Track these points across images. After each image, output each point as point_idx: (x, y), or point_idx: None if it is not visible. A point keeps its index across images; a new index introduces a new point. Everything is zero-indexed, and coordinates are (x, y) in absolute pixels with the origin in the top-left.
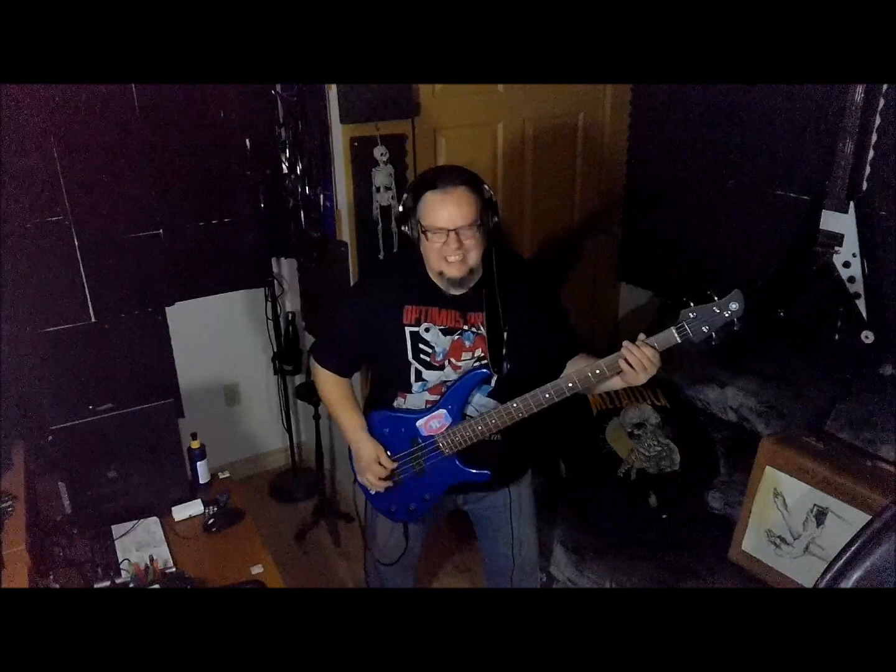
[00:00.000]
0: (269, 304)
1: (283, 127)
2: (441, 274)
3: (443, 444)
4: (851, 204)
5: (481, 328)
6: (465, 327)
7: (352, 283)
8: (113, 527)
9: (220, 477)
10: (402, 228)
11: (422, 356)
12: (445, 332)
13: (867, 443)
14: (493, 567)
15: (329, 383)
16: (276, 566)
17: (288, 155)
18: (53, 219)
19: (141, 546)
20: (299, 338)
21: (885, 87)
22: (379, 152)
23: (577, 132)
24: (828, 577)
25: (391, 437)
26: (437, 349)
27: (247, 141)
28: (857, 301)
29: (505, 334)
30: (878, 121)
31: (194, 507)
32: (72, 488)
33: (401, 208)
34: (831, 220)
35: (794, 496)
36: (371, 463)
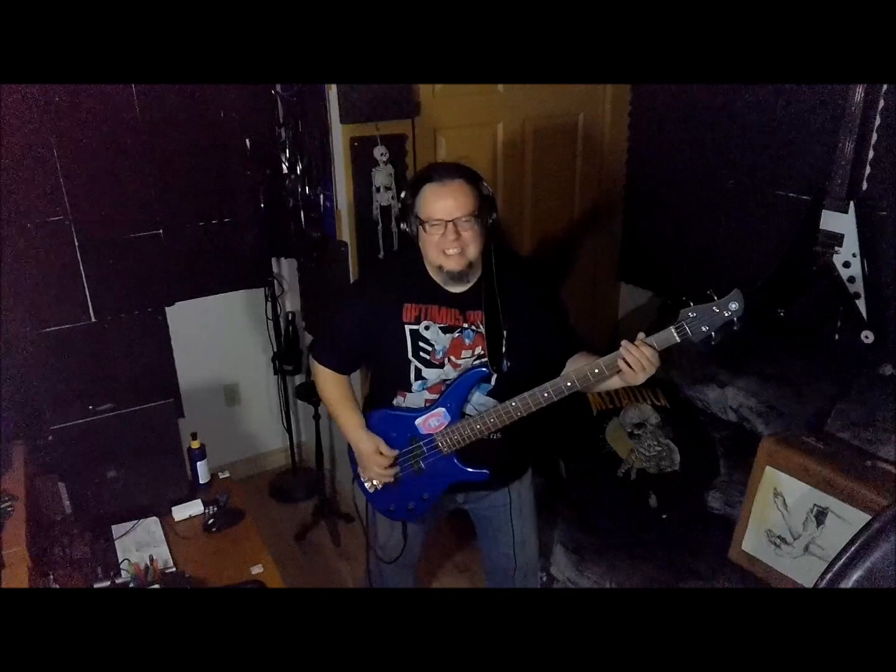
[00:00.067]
0: (269, 304)
1: (283, 127)
2: (440, 268)
3: (441, 443)
4: (851, 204)
5: (480, 326)
6: (465, 325)
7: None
8: (113, 527)
9: (220, 477)
10: (402, 226)
11: (421, 354)
12: (445, 329)
13: (867, 443)
14: (493, 567)
15: (329, 382)
16: (276, 566)
17: (288, 155)
18: (53, 219)
19: (141, 546)
20: (299, 338)
21: (885, 87)
22: (379, 152)
23: (577, 132)
24: (828, 577)
25: (390, 436)
26: (436, 347)
27: (247, 141)
28: (857, 301)
29: (504, 333)
30: (878, 121)
31: (194, 507)
32: (72, 488)
33: (400, 205)
34: (831, 220)
35: (794, 496)
36: (372, 455)
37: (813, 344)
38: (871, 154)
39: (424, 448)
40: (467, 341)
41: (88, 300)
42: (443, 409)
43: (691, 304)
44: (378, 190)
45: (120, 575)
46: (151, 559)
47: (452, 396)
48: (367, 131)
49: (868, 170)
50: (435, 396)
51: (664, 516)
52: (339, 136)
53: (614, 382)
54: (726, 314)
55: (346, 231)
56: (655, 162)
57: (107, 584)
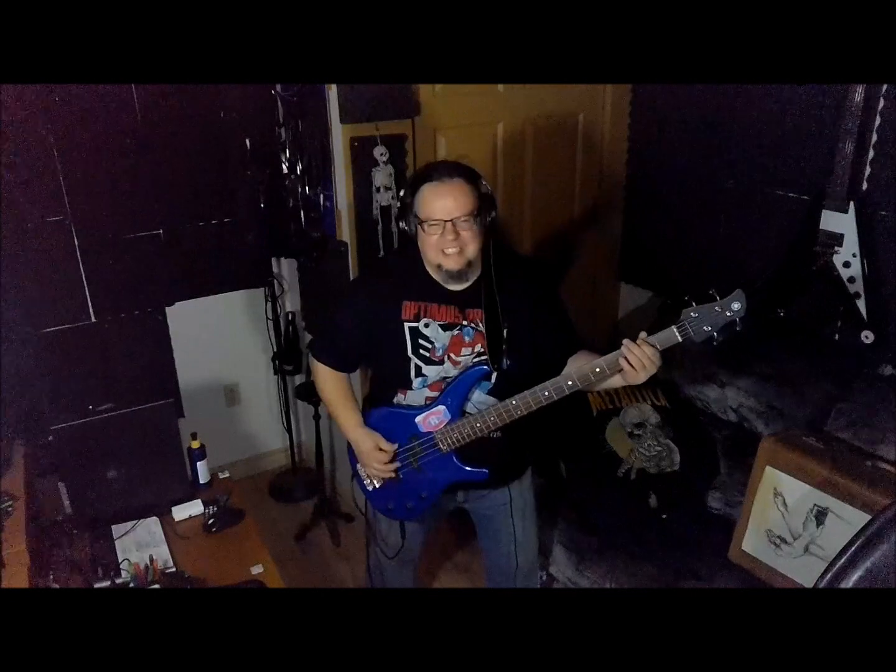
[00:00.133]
0: (269, 304)
1: (283, 127)
2: (439, 267)
3: (441, 441)
4: (851, 204)
5: (480, 324)
6: (465, 323)
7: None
8: (113, 527)
9: (220, 477)
10: (401, 224)
11: (421, 351)
12: (445, 327)
13: (867, 443)
14: (493, 567)
15: (328, 381)
16: (276, 566)
17: (288, 155)
18: (53, 219)
19: (141, 546)
20: (299, 338)
21: (885, 87)
22: (379, 152)
23: (577, 132)
24: (828, 577)
25: (390, 434)
26: (436, 344)
27: (247, 141)
28: (857, 301)
29: (504, 331)
30: (878, 121)
31: (194, 507)
32: (72, 488)
33: (399, 204)
34: (831, 220)
35: (794, 496)
36: (371, 451)
37: (813, 344)
38: (871, 154)
39: (424, 446)
40: (467, 339)
41: (88, 300)
42: (443, 407)
43: (693, 303)
44: (378, 190)
45: (120, 575)
46: (151, 559)
47: (453, 394)
48: (367, 131)
49: (868, 170)
50: (435, 394)
51: (664, 516)
52: (339, 136)
53: (615, 382)
54: (728, 314)
55: (346, 231)
56: (655, 162)
57: (107, 584)
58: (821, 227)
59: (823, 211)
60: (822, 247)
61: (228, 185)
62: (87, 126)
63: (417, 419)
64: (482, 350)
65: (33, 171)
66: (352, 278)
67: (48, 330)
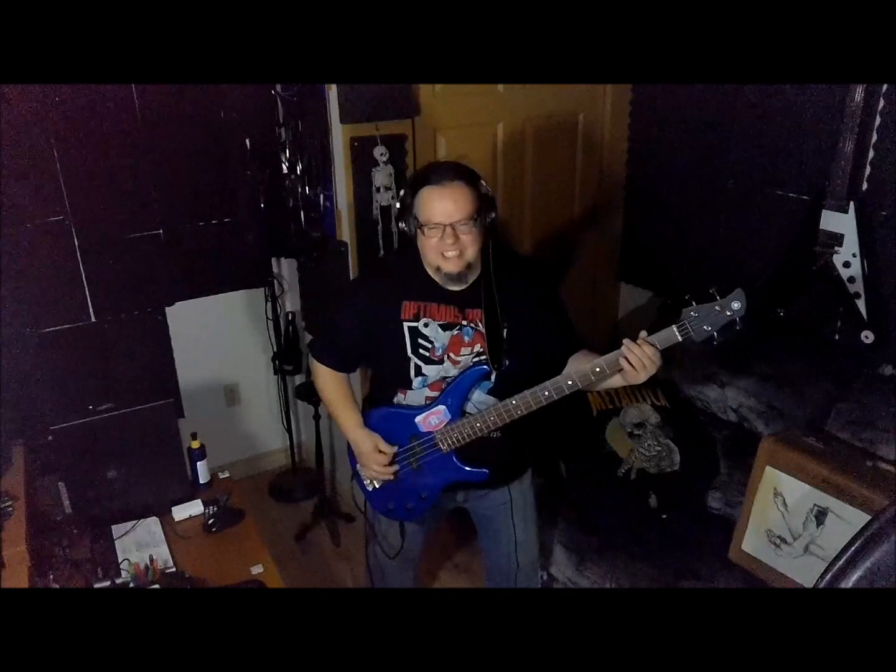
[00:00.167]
0: (269, 304)
1: (283, 127)
2: (438, 269)
3: (441, 441)
4: (851, 204)
5: (480, 324)
6: (464, 323)
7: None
8: (113, 527)
9: (220, 477)
10: (400, 225)
11: (421, 351)
12: (444, 327)
13: (867, 443)
14: (493, 567)
15: (328, 381)
16: (276, 566)
17: (288, 155)
18: (53, 219)
19: (141, 546)
20: (299, 338)
21: (885, 87)
22: (379, 152)
23: (577, 132)
24: (828, 577)
25: (390, 434)
26: (436, 344)
27: (247, 141)
28: (857, 301)
29: (504, 331)
30: (878, 121)
31: (194, 507)
32: (72, 488)
33: (398, 205)
34: (831, 220)
35: (794, 496)
36: (371, 452)
37: (813, 344)
38: (871, 154)
39: (424, 446)
40: (466, 339)
41: (88, 300)
42: (443, 407)
43: (693, 303)
44: (378, 190)
45: (120, 575)
46: (151, 559)
47: (453, 394)
48: (367, 131)
49: (868, 170)
50: (435, 394)
51: (664, 516)
52: (339, 136)
53: (615, 381)
54: (729, 313)
55: (346, 231)
56: (655, 162)
57: (107, 584)
58: (821, 227)
59: (823, 211)
60: (822, 247)
61: (228, 185)
62: (87, 126)
63: (417, 419)
64: (481, 350)
65: (33, 171)
66: (352, 278)
67: (48, 330)
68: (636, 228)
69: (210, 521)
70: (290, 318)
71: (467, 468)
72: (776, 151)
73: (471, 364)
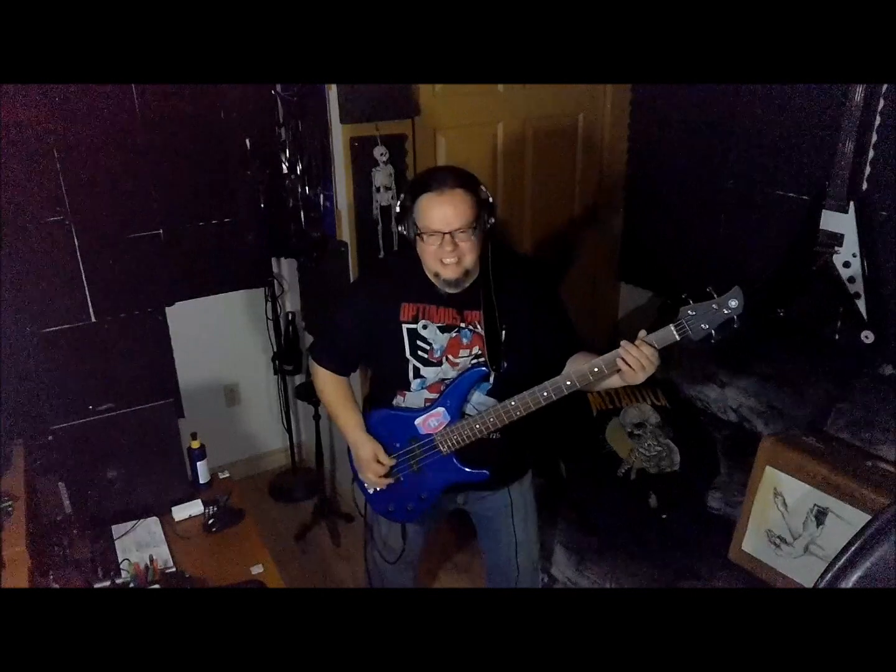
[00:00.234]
0: (269, 304)
1: (283, 127)
2: (437, 275)
3: (441, 443)
4: (851, 204)
5: (478, 326)
6: (463, 325)
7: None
8: (113, 527)
9: (220, 477)
10: (400, 229)
11: (419, 353)
12: (443, 329)
13: (867, 443)
14: (493, 567)
15: (328, 384)
16: (276, 566)
17: (288, 155)
18: (53, 219)
19: (141, 546)
20: (299, 338)
21: (885, 87)
22: (379, 152)
23: (577, 132)
24: (828, 577)
25: (390, 436)
26: (434, 346)
27: (247, 141)
28: (857, 301)
29: (503, 333)
30: (878, 121)
31: (194, 507)
32: (72, 488)
33: (398, 209)
34: (831, 220)
35: (794, 496)
36: (369, 462)
37: (813, 344)
38: (871, 154)
39: (424, 448)
40: (465, 341)
41: (88, 300)
42: (442, 409)
43: (691, 301)
44: (378, 190)
45: (120, 575)
46: (151, 559)
47: (452, 396)
48: (367, 131)
49: (868, 170)
50: (434, 396)
51: (664, 516)
52: (339, 136)
53: (614, 382)
54: (726, 312)
55: (346, 231)
56: (655, 162)
57: (107, 584)
58: (821, 227)
59: (823, 211)
60: (822, 247)
61: (228, 185)
62: (87, 126)
63: (417, 421)
64: (480, 352)
65: (33, 171)
66: (352, 279)
67: (48, 330)
68: (636, 228)
69: (210, 521)
70: (290, 318)
71: (467, 469)
72: (776, 151)
73: (469, 366)
